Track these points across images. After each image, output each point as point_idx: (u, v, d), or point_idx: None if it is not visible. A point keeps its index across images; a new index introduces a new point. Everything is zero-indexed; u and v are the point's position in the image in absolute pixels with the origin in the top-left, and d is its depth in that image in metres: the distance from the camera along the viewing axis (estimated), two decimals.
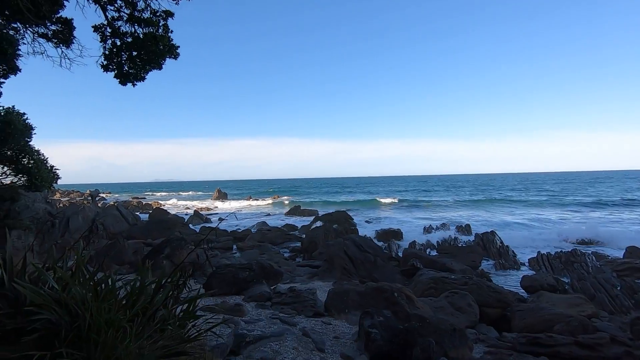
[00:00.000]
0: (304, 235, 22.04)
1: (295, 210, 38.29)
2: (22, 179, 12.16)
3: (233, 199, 66.78)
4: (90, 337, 1.43)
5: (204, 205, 51.08)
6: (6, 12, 5.03)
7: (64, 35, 5.39)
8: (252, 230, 24.28)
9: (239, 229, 26.51)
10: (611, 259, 13.92)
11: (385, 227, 22.83)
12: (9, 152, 11.94)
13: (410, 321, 6.17)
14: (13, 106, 10.50)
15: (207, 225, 28.09)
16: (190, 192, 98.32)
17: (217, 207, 51.31)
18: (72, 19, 5.43)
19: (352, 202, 50.38)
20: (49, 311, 1.52)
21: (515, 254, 15.80)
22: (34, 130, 11.08)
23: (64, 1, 5.03)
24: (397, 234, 19.86)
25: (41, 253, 13.08)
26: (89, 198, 49.52)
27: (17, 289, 2.15)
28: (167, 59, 5.58)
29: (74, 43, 5.51)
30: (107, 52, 5.54)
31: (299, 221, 30.72)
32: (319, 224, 24.47)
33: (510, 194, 54.79)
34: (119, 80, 5.77)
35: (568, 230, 20.60)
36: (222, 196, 69.24)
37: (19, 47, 5.55)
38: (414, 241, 17.22)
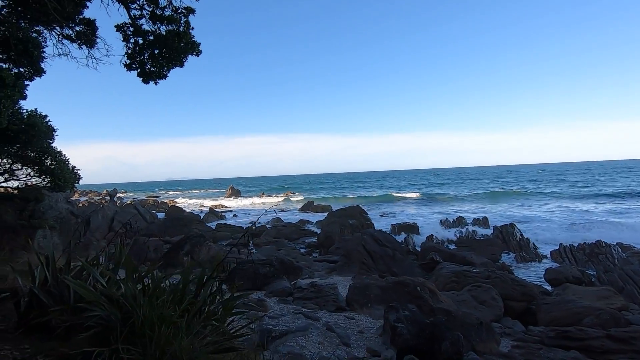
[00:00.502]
0: (319, 231, 22.07)
1: (308, 206, 38.36)
2: (46, 179, 12.50)
3: (246, 196, 67.39)
4: (144, 333, 1.44)
5: (218, 203, 51.69)
6: (28, 16, 5.12)
7: (87, 36, 5.45)
8: (267, 226, 24.42)
9: (256, 225, 26.71)
10: (638, 249, 13.50)
11: (401, 221, 22.67)
12: (32, 154, 12.27)
13: (435, 315, 6.10)
14: (36, 109, 10.76)
15: (223, 222, 28.38)
16: (203, 190, 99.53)
17: (224, 205, 51.76)
18: (95, 19, 5.50)
19: (365, 197, 50.20)
20: (100, 307, 1.53)
21: (536, 246, 15.50)
22: (56, 132, 11.35)
23: (87, 1, 5.08)
24: (413, 228, 19.70)
25: (66, 251, 13.38)
26: (107, 197, 50.65)
27: (61, 286, 2.17)
28: (189, 56, 5.61)
29: (97, 43, 5.57)
30: (129, 51, 5.58)
31: (313, 217, 30.81)
32: (333, 219, 24.46)
33: (529, 186, 53.71)
34: (142, 78, 5.82)
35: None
36: (235, 193, 69.83)
37: (44, 49, 5.65)
38: (431, 235, 17.05)
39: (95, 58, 5.67)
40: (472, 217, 22.84)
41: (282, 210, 39.75)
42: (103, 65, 5.96)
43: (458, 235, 18.43)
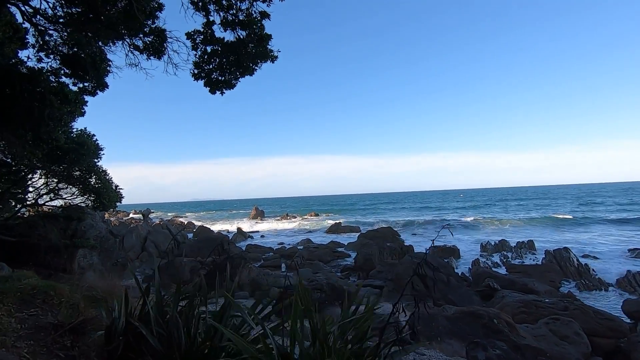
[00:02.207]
0: (353, 253, 21.31)
1: (336, 228, 37.61)
2: (90, 198, 12.60)
3: (270, 217, 67.28)
4: None
5: (244, 223, 51.69)
6: (89, 34, 5.05)
7: (155, 47, 5.32)
8: (298, 247, 23.86)
9: (285, 246, 26.23)
10: None
11: (438, 243, 21.55)
12: (77, 173, 12.43)
13: (523, 353, 5.34)
14: (85, 128, 10.94)
15: (252, 243, 28.03)
16: (228, 211, 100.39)
17: (250, 225, 51.63)
18: (165, 29, 5.38)
19: (393, 219, 48.87)
20: None
21: (596, 272, 14.16)
22: (102, 150, 11.50)
23: (157, 11, 4.98)
24: (453, 252, 18.60)
25: (104, 271, 13.35)
26: (136, 217, 51.66)
27: (170, 325, 1.72)
28: (262, 64, 5.34)
29: (165, 54, 5.43)
30: (197, 60, 5.40)
31: (342, 238, 29.99)
32: (366, 241, 23.69)
33: (570, 208, 50.91)
34: (209, 89, 5.60)
35: None
36: (260, 214, 69.83)
37: (110, 63, 5.58)
38: (477, 259, 15.94)
39: (174, 64, 5.50)
40: (515, 241, 21.47)
41: (310, 231, 39.17)
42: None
43: (504, 260, 17.25)
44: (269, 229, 46.34)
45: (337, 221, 42.27)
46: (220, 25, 5.07)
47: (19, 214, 13.88)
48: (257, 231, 41.67)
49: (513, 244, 20.85)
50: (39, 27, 4.99)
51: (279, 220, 60.62)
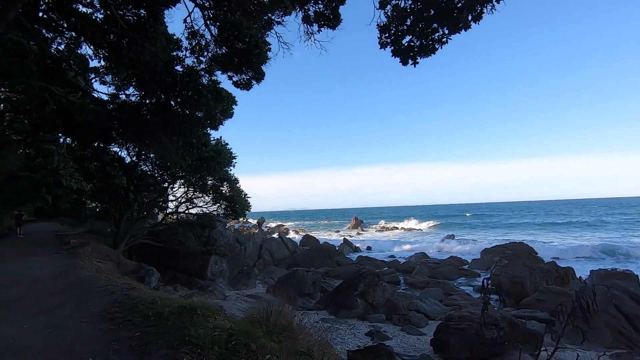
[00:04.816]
0: (482, 272, 18.43)
1: (448, 241, 34.18)
2: (222, 206, 12.99)
3: (368, 227, 65.85)
4: None
5: (347, 233, 51.33)
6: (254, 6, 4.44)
7: (326, 17, 4.49)
8: (415, 263, 21.77)
9: (397, 260, 24.39)
10: None
11: (605, 266, 17.10)
12: (210, 182, 12.93)
13: None
14: (221, 137, 11.19)
15: (363, 254, 26.85)
16: (326, 220, 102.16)
17: (352, 235, 50.72)
18: None
19: (513, 234, 42.65)
20: None
21: None
22: (235, 159, 11.64)
23: None
24: (630, 278, 14.30)
25: (232, 279, 13.68)
26: (249, 225, 55.59)
27: None
28: (489, 5, 3.95)
29: (341, 23, 4.54)
30: (385, 21, 4.36)
31: (460, 253, 26.76)
32: (496, 257, 20.40)
33: None
34: (399, 58, 4.51)
35: None
36: (359, 224, 68.91)
37: (270, 47, 4.98)
38: None
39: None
40: None
41: (417, 244, 36.42)
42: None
43: None
44: (371, 239, 44.81)
45: (449, 233, 38.58)
46: None
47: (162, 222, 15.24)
48: (362, 240, 40.53)
49: None
50: (204, 12, 4.62)
51: (379, 230, 58.72)
